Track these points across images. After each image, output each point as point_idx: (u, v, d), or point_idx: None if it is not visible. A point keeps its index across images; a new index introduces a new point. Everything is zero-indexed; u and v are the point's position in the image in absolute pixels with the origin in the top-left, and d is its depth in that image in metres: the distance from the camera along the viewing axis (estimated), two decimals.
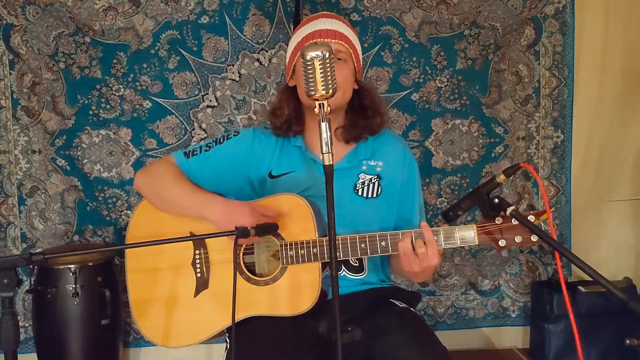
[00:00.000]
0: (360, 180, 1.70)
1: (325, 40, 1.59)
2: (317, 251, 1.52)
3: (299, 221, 1.55)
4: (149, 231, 1.69)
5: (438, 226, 3.04)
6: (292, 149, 1.72)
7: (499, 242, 1.45)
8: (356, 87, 1.71)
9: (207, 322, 1.62)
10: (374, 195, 1.69)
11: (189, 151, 1.72)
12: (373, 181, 1.70)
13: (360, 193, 1.69)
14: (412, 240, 1.48)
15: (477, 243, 1.48)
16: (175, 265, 1.65)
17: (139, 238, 1.69)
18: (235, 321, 1.51)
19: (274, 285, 1.57)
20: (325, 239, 1.52)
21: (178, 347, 1.70)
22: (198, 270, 1.64)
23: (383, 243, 1.52)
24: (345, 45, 1.63)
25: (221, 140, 1.72)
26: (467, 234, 1.48)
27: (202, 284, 1.63)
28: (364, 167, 1.71)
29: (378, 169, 1.71)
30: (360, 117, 1.70)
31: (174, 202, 1.64)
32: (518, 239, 1.44)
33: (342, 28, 1.66)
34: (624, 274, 2.86)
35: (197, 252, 1.64)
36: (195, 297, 1.63)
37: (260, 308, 1.57)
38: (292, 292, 1.55)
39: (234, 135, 1.74)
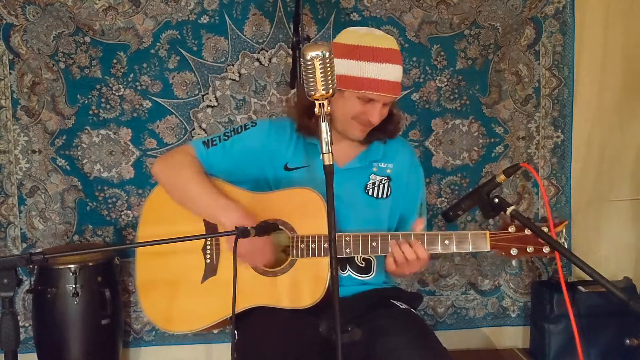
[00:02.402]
0: (371, 181, 1.71)
1: (385, 94, 1.57)
2: (328, 246, 1.52)
3: (312, 215, 1.55)
4: (163, 215, 1.70)
5: (438, 226, 3.06)
6: (309, 145, 1.72)
7: (511, 251, 1.45)
8: None
9: (211, 309, 1.62)
10: (385, 196, 1.71)
11: (208, 141, 1.72)
12: (383, 182, 1.72)
13: (370, 193, 1.70)
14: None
15: (489, 250, 1.48)
16: (185, 249, 1.65)
17: (152, 222, 1.70)
18: (240, 310, 1.53)
19: (281, 277, 1.58)
20: (338, 234, 1.52)
21: (179, 332, 1.70)
22: (208, 256, 1.65)
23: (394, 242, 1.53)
24: (399, 94, 1.64)
25: (239, 130, 1.72)
26: (480, 241, 1.49)
27: (210, 271, 1.63)
28: (375, 169, 1.73)
29: (388, 171, 1.73)
30: (385, 123, 1.70)
31: (193, 200, 1.64)
32: (530, 249, 1.44)
33: (399, 73, 1.62)
34: (624, 274, 2.86)
35: (209, 239, 1.65)
36: (202, 282, 1.64)
37: (265, 299, 1.57)
38: (299, 286, 1.56)
39: (252, 126, 1.73)
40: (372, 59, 1.57)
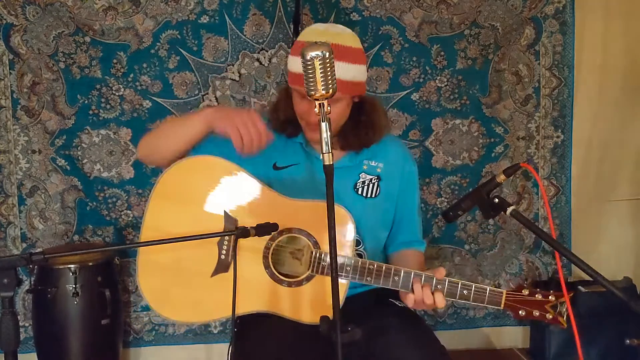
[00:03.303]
0: (361, 180, 1.70)
1: None
2: (350, 269, 1.51)
3: (339, 235, 1.51)
4: (179, 191, 1.60)
5: (438, 226, 3.06)
6: (295, 143, 1.71)
7: (519, 311, 1.50)
8: (357, 100, 1.67)
9: (217, 304, 1.57)
10: (373, 195, 1.70)
11: None
12: (373, 181, 1.70)
13: (360, 192, 1.69)
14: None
15: (501, 308, 1.52)
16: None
17: (166, 198, 1.59)
18: (243, 313, 1.52)
19: (294, 289, 1.54)
20: (361, 261, 1.51)
21: (174, 320, 1.65)
22: (224, 251, 1.57)
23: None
24: (344, 93, 1.56)
25: None
26: (496, 299, 1.51)
27: (223, 267, 1.57)
28: (365, 167, 1.71)
29: (378, 170, 1.71)
30: (355, 132, 1.66)
31: (170, 134, 1.62)
32: (536, 313, 1.49)
33: (349, 71, 1.54)
34: (624, 274, 2.86)
35: None
36: (212, 276, 1.57)
37: (272, 306, 1.55)
38: (309, 302, 1.53)
39: None
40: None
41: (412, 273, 1.51)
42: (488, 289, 1.50)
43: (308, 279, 1.55)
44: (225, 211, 1.59)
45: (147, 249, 1.60)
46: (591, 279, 1.29)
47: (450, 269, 2.97)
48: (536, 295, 1.49)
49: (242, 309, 1.51)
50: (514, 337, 3.03)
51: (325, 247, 1.54)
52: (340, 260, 1.51)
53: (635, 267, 2.97)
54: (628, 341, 2.64)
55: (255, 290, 1.53)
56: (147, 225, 1.60)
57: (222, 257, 1.59)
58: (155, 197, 1.60)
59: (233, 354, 1.52)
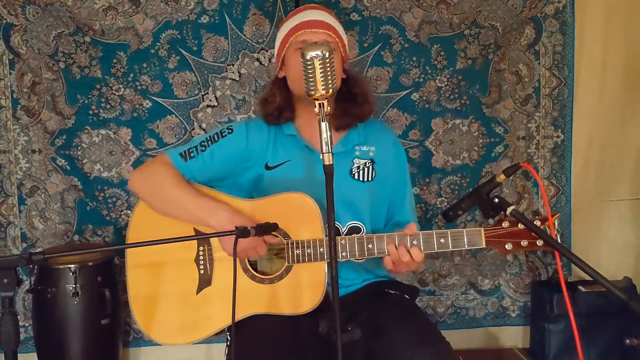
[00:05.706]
0: (356, 165, 1.74)
1: (314, 30, 1.64)
2: (324, 250, 1.53)
3: (306, 220, 1.56)
4: (152, 225, 1.67)
5: (438, 226, 3.06)
6: (286, 138, 1.74)
7: (505, 246, 1.46)
8: (344, 77, 1.74)
9: (208, 319, 1.62)
10: (370, 179, 1.74)
11: (185, 152, 1.68)
12: (367, 165, 1.74)
13: (356, 177, 1.73)
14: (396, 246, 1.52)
15: (484, 246, 1.49)
16: (178, 260, 1.63)
17: (141, 232, 1.67)
18: (237, 320, 1.52)
19: (278, 284, 1.57)
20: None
21: (178, 345, 1.69)
22: (202, 266, 1.63)
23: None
24: (333, 35, 1.68)
25: (215, 139, 1.70)
26: (475, 238, 1.49)
27: (205, 281, 1.62)
28: (357, 153, 1.75)
29: (371, 154, 1.76)
30: (350, 105, 1.72)
31: (177, 206, 1.61)
32: (524, 243, 1.45)
33: (329, 19, 1.71)
34: (624, 274, 2.86)
35: (201, 248, 1.64)
36: (197, 294, 1.63)
37: (263, 307, 1.57)
38: (296, 292, 1.55)
39: (229, 132, 1.71)
40: (294, 14, 1.71)
41: (385, 236, 1.53)
42: (465, 231, 1.50)
43: (287, 270, 1.57)
44: (195, 229, 1.63)
45: (133, 285, 1.68)
46: (591, 279, 1.30)
47: (451, 269, 2.97)
48: (519, 225, 1.45)
49: (236, 315, 1.50)
50: (514, 337, 3.03)
51: (295, 235, 1.57)
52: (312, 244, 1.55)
53: (635, 267, 2.97)
54: (628, 341, 2.63)
55: (242, 296, 1.53)
56: (131, 262, 1.68)
57: (202, 272, 1.63)
58: (134, 219, 1.70)
59: (231, 354, 1.52)
